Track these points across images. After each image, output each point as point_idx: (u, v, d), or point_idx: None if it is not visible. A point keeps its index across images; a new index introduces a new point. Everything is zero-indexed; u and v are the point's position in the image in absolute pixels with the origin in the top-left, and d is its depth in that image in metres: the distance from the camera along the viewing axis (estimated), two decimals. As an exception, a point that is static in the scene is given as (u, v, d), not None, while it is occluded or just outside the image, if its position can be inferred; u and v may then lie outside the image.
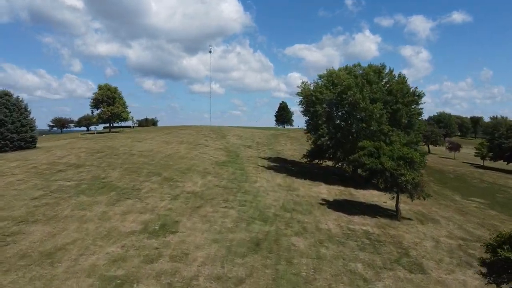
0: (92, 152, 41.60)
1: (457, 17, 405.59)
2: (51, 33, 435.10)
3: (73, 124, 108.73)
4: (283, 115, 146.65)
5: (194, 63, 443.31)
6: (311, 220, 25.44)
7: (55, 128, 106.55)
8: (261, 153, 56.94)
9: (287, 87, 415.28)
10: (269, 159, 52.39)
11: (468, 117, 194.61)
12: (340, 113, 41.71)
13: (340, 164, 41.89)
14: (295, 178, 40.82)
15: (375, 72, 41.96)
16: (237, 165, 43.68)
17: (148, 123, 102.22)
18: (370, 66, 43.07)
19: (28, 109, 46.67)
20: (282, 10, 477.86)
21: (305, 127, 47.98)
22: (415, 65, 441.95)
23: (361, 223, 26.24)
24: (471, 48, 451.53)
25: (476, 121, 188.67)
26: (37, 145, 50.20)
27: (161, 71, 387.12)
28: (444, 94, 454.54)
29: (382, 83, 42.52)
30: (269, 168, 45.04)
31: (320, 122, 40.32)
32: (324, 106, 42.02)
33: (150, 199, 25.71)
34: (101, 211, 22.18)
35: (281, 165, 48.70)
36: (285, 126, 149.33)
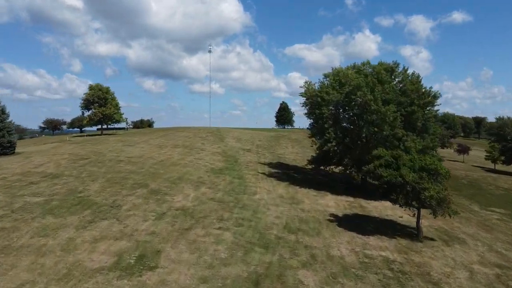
0: (74, 159, 37.77)
1: (457, 17, 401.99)
2: (51, 33, 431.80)
3: (66, 126, 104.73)
4: (284, 115, 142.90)
5: (194, 63, 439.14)
6: (320, 243, 21.59)
7: (48, 130, 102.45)
8: (261, 158, 53.15)
9: (287, 87, 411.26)
10: (269, 164, 48.59)
11: (470, 117, 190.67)
12: (348, 116, 37.83)
13: (348, 171, 37.97)
14: (298, 188, 37.01)
15: (387, 71, 38.10)
16: (235, 173, 39.86)
17: (143, 124, 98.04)
18: (381, 64, 39.19)
19: (6, 112, 42.84)
20: (282, 9, 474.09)
21: (309, 130, 44.12)
22: (415, 65, 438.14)
23: (379, 246, 22.39)
24: (471, 48, 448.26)
25: (479, 121, 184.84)
26: (19, 150, 46.40)
27: (161, 71, 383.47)
28: (444, 94, 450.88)
29: (394, 82, 38.68)
30: (270, 175, 41.22)
31: (326, 125, 36.45)
32: (331, 108, 38.16)
33: (131, 219, 21.86)
34: (67, 237, 18.33)
35: (283, 172, 44.90)
36: (286, 127, 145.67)
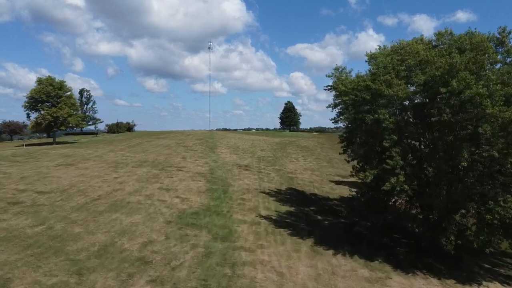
0: None
1: (462, 16, 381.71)
2: (53, 32, 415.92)
3: (31, 129, 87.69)
4: (289, 116, 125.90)
5: (196, 63, 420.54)
6: None
7: (6, 134, 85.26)
8: (264, 181, 36.30)
9: (290, 86, 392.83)
10: (277, 195, 31.75)
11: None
12: (428, 127, 20.65)
13: (430, 238, 20.62)
14: (332, 254, 20.23)
15: (493, 44, 21.18)
16: (219, 222, 23.03)
17: (120, 128, 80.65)
18: (474, 34, 22.07)
19: None
20: (285, 8, 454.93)
21: (343, 147, 27.30)
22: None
23: None
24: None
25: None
26: None
27: (163, 70, 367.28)
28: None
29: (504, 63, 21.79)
30: (278, 222, 24.42)
31: (386, 143, 19.43)
32: (387, 112, 21.12)
33: None
34: None
35: (299, 210, 28.14)
36: (292, 128, 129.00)
